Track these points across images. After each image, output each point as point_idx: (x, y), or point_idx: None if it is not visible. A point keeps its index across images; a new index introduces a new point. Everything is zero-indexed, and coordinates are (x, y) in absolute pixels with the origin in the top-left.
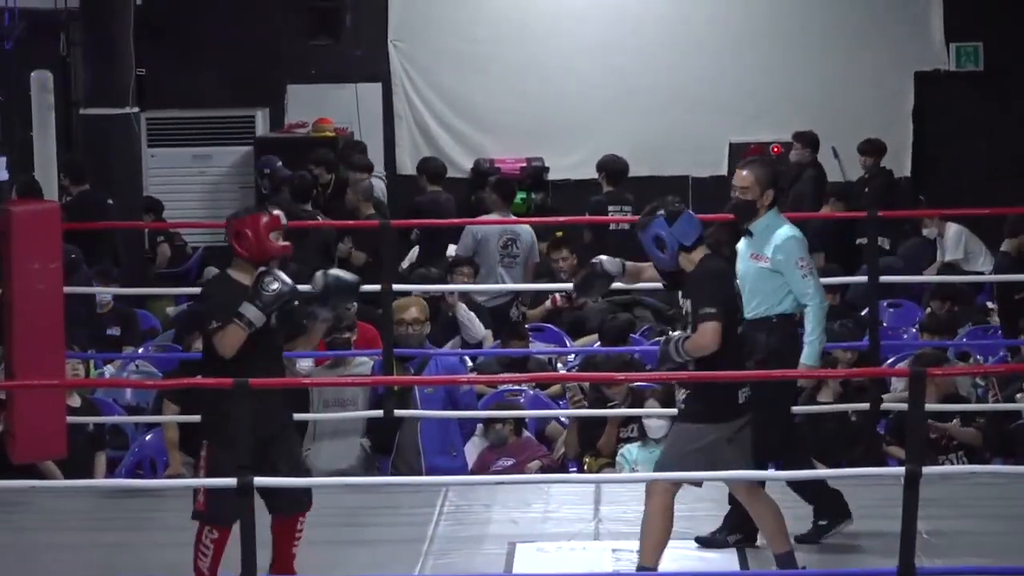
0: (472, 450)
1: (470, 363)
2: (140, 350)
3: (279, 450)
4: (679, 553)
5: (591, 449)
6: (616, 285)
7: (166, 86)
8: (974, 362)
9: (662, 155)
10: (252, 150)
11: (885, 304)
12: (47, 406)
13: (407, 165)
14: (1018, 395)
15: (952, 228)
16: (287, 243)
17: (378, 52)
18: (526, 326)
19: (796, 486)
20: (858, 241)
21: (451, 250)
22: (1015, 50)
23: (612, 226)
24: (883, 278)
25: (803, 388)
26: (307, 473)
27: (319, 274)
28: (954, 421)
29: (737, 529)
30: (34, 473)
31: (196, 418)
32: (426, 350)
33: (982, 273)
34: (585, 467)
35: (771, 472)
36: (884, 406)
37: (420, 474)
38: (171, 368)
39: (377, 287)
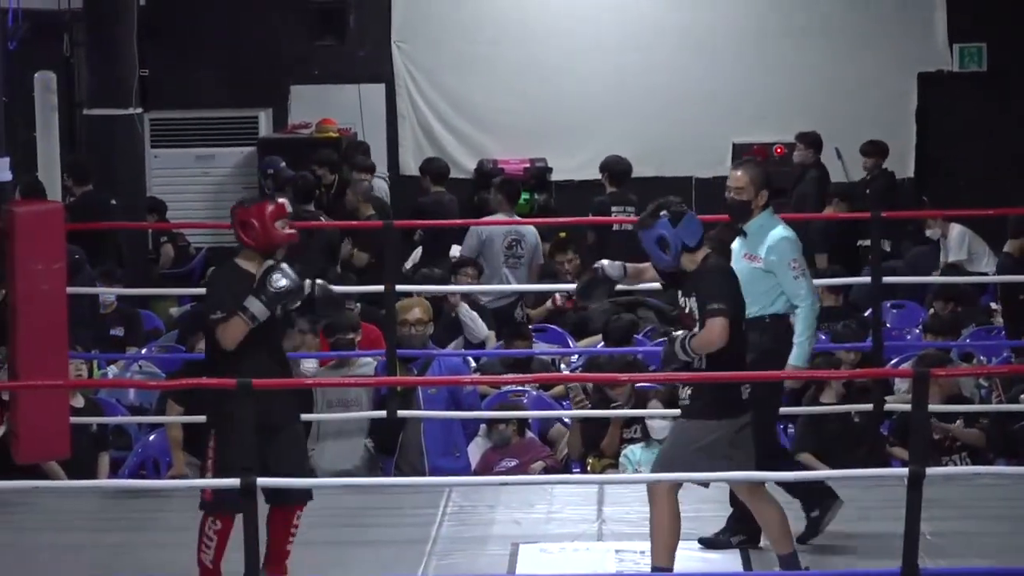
0: (475, 451)
1: (473, 364)
2: (143, 350)
3: (285, 441)
4: (682, 554)
5: (594, 450)
6: (619, 286)
7: (170, 87)
8: (978, 363)
9: (665, 156)
10: (255, 151)
11: (888, 305)
12: (50, 406)
13: (410, 166)
14: (1022, 396)
15: (956, 229)
16: (293, 231)
17: (381, 53)
18: (529, 326)
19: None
20: (859, 243)
21: (455, 251)
22: (1018, 51)
23: (615, 227)
24: (886, 279)
25: (792, 390)
26: (310, 468)
27: (306, 283)
28: (957, 422)
29: (740, 530)
30: (37, 473)
31: (200, 418)
32: (429, 351)
33: (986, 274)
34: (588, 468)
35: (772, 473)
36: (887, 407)
37: (423, 475)
38: (174, 368)
39: (380, 288)
